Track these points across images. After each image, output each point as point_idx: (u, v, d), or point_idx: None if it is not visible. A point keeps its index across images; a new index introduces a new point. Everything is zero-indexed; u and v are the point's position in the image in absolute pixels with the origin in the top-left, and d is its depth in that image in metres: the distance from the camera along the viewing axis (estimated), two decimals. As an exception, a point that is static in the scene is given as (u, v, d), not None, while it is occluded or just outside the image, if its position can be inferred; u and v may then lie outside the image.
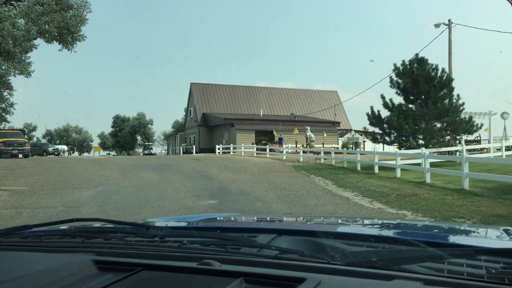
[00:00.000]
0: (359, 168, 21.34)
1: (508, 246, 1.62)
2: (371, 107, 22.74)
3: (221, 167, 25.47)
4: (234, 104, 54.49)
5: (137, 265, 1.33)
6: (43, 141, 77.32)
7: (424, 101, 21.99)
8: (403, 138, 21.89)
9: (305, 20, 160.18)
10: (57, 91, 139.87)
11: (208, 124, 51.54)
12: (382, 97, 22.68)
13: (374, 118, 22.54)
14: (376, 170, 19.37)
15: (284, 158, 32.06)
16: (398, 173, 17.13)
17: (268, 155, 34.44)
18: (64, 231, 1.70)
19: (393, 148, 49.81)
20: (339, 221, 2.80)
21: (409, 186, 14.29)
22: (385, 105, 22.71)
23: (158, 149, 73.29)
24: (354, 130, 51.81)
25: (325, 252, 1.40)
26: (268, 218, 2.89)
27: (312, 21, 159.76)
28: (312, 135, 37.53)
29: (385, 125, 22.28)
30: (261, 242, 1.48)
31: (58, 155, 42.15)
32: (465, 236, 2.05)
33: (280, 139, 40.43)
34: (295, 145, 39.04)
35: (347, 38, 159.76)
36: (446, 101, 21.79)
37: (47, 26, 18.03)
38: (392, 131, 22.25)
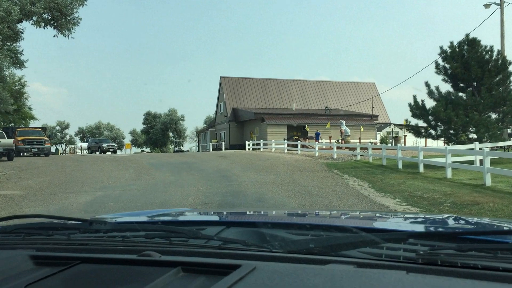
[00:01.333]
0: (400, 166, 18.69)
1: (438, 230, 1.71)
2: (414, 97, 19.93)
3: (246, 165, 23.30)
4: (265, 98, 52.21)
5: (76, 259, 1.34)
6: (77, 138, 77.64)
7: (476, 88, 19.03)
8: (452, 131, 19.02)
9: (340, 9, 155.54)
10: (87, 88, 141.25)
11: (238, 120, 49.50)
12: (427, 84, 19.84)
13: (417, 109, 19.75)
14: (421, 169, 16.68)
15: (317, 154, 29.57)
16: (449, 173, 14.39)
17: (299, 152, 32.01)
18: (4, 229, 1.68)
19: (436, 143, 46.23)
20: (287, 212, 2.95)
21: (465, 190, 11.59)
22: (430, 93, 19.86)
23: (190, 145, 71.98)
24: (393, 124, 48.54)
25: (268, 241, 1.42)
26: (219, 212, 2.98)
27: (347, 10, 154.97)
28: (348, 130, 34.79)
29: (430, 117, 19.46)
30: (208, 234, 1.53)
31: (114, 152, 44.11)
32: (403, 222, 2.28)
33: (317, 134, 37.85)
34: (329, 141, 36.43)
35: (385, 28, 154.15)
36: (501, 88, 18.76)
37: (32, 7, 16.10)
38: (439, 124, 19.41)
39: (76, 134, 79.12)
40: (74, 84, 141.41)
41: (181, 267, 1.23)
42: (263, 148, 38.00)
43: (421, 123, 20.43)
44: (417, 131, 20.31)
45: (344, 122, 35.61)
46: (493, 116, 18.61)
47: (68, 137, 79.23)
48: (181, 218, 2.36)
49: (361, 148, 26.10)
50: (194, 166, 23.31)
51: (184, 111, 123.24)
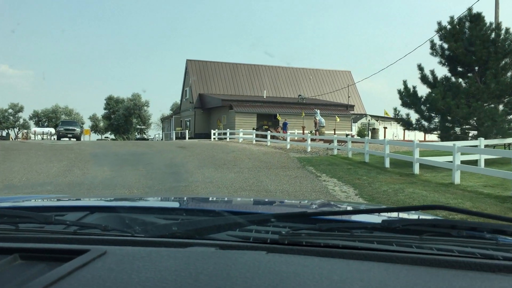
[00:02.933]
0: (387, 164, 15.58)
1: (301, 211, 1.64)
2: (404, 82, 16.78)
3: (205, 159, 19.84)
4: (234, 84, 48.56)
5: None
6: (31, 123, 71.96)
7: (478, 73, 16.01)
8: (448, 124, 15.99)
9: None
10: (44, 69, 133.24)
11: (205, 106, 45.75)
12: (420, 68, 16.70)
13: (408, 97, 16.61)
14: (417, 170, 13.54)
15: (288, 147, 26.30)
16: (457, 177, 11.22)
17: (269, 143, 28.67)
18: None
19: (424, 137, 43.80)
20: (162, 197, 3.01)
21: (495, 206, 8.41)
22: (424, 79, 16.75)
23: (156, 132, 67.61)
24: (369, 115, 45.76)
25: (131, 226, 1.38)
26: (88, 197, 2.86)
27: None
28: (322, 120, 31.62)
29: (423, 106, 16.37)
30: (66, 219, 1.46)
31: (75, 138, 37.23)
32: (273, 206, 2.30)
33: (285, 124, 34.57)
34: (301, 132, 33.22)
35: (362, 17, 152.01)
36: (510, 74, 15.81)
37: None
38: (433, 114, 16.33)
39: (31, 118, 73.47)
40: (29, 63, 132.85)
41: (19, 254, 1.14)
42: (230, 138, 34.53)
43: (412, 114, 17.30)
44: (406, 123, 17.20)
45: (318, 111, 32.42)
46: (500, 107, 15.62)
47: (21, 121, 73.50)
48: (41, 203, 2.15)
49: (338, 141, 22.95)
50: (144, 159, 19.69)
51: (149, 96, 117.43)
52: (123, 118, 69.36)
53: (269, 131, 29.69)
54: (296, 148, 26.03)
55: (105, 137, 78.36)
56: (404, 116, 17.20)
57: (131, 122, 70.25)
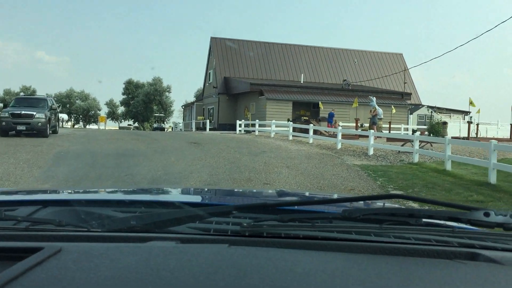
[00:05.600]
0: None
1: (263, 202, 1.69)
2: None
3: (221, 166, 13.06)
4: (266, 66, 41.27)
5: None
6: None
7: None
8: None
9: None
10: (61, 52, 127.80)
11: (230, 92, 38.73)
12: None
13: None
14: None
15: (339, 146, 19.03)
16: None
17: (311, 140, 21.43)
18: None
19: (496, 133, 35.81)
20: (122, 190, 2.58)
21: None
22: None
23: (178, 121, 61.09)
24: (428, 106, 37.76)
25: (86, 221, 1.33)
26: (41, 190, 2.71)
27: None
28: (380, 110, 24.26)
29: None
30: (16, 214, 1.39)
31: (33, 131, 29.01)
32: (233, 196, 2.31)
33: (331, 115, 27.24)
34: (354, 125, 25.78)
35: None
36: None
37: None
38: None
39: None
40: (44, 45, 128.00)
41: None
42: (259, 131, 27.44)
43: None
44: None
45: (374, 99, 24.99)
46: None
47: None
48: None
49: (420, 141, 15.55)
50: (128, 164, 13.04)
51: (172, 81, 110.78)
52: (142, 104, 62.83)
53: (311, 124, 22.37)
54: (350, 149, 18.76)
55: (128, 125, 72.56)
56: None
57: (151, 109, 63.78)
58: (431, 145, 17.05)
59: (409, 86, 40.23)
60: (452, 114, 43.59)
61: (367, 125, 29.18)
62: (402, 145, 16.66)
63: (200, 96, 48.33)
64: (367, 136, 22.01)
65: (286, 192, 2.28)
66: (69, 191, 2.46)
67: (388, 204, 2.08)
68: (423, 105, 40.19)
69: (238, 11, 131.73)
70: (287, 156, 16.06)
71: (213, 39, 42.12)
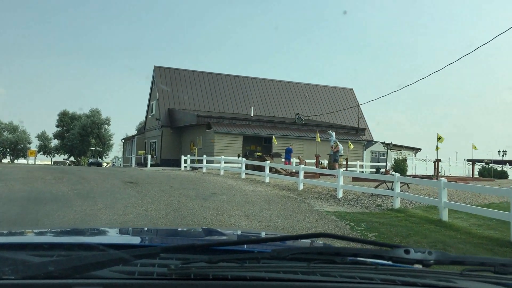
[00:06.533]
0: None
1: (191, 242, 1.66)
2: None
3: (162, 216, 10.05)
4: (213, 98, 38.74)
5: None
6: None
7: None
8: None
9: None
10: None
11: (175, 125, 35.73)
12: None
13: None
14: None
15: (301, 187, 16.53)
16: None
17: (267, 179, 18.80)
18: None
19: (465, 170, 34.74)
20: (33, 231, 2.31)
21: None
22: None
23: (118, 155, 56.63)
24: (384, 143, 36.42)
25: (2, 267, 1.21)
26: None
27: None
28: (341, 146, 22.18)
29: None
30: None
31: None
32: (159, 236, 2.21)
33: (288, 151, 24.85)
34: (315, 162, 23.46)
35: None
36: None
37: None
38: None
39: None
40: None
41: None
42: (206, 168, 24.53)
43: None
44: None
45: (334, 133, 22.94)
46: None
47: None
48: None
49: (382, 182, 13.33)
50: (33, 216, 9.99)
51: (111, 113, 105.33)
52: (78, 137, 57.94)
53: (267, 161, 19.78)
54: (314, 190, 16.30)
55: (64, 159, 66.95)
56: None
57: (89, 143, 59.03)
58: (408, 187, 14.92)
59: (362, 121, 38.97)
60: (402, 151, 42.77)
61: (324, 162, 27.09)
62: (376, 187, 14.38)
63: (142, 129, 44.82)
64: (327, 175, 19.86)
65: (215, 231, 2.18)
66: None
67: (317, 242, 2.06)
68: (375, 142, 38.94)
69: (180, 40, 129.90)
70: (244, 200, 13.33)
71: (156, 68, 39.25)
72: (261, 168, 20.77)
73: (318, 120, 37.87)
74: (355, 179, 17.99)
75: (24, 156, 57.84)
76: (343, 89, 44.92)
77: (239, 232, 2.68)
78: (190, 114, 32.84)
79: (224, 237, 2.06)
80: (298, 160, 23.50)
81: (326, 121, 37.83)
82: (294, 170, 19.73)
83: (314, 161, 26.00)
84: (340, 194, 14.50)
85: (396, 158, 23.46)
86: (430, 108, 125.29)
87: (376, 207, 12.86)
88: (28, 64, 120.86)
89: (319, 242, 2.08)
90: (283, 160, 26.10)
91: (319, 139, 23.84)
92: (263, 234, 2.34)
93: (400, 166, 21.08)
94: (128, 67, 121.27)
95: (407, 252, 1.16)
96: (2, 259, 1.28)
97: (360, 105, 37.70)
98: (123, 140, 49.86)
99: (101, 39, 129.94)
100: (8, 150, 61.71)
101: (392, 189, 13.38)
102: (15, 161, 60.62)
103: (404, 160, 22.14)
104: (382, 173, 21.43)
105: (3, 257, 1.30)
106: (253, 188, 16.76)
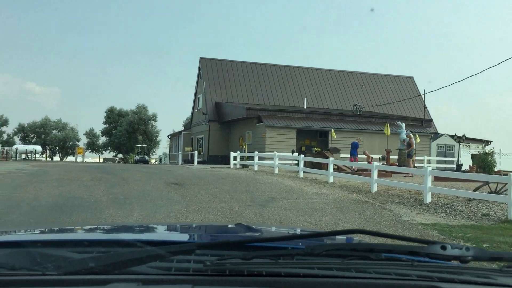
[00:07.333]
0: None
1: (225, 239, 1.66)
2: None
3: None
4: (263, 90, 36.38)
5: None
6: (16, 138, 60.65)
7: None
8: None
9: None
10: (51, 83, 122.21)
11: (223, 119, 33.64)
12: None
13: None
14: None
15: (375, 188, 13.80)
16: None
17: (331, 178, 16.18)
18: None
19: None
20: (73, 229, 2.40)
21: None
22: None
23: (167, 151, 55.41)
24: (450, 135, 32.83)
25: (45, 263, 1.23)
26: None
27: None
28: (414, 140, 19.22)
29: None
30: None
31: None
32: (194, 233, 2.19)
33: (354, 145, 22.06)
34: (386, 158, 20.55)
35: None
36: None
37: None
38: None
39: (16, 133, 62.03)
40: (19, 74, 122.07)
41: None
42: (258, 165, 22.19)
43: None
44: None
45: (404, 125, 19.99)
46: None
47: (5, 136, 61.97)
48: None
49: (485, 184, 10.45)
50: (55, 227, 7.37)
51: (158, 109, 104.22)
52: (125, 134, 57.28)
53: (331, 158, 17.10)
54: (390, 192, 13.55)
55: (113, 156, 66.80)
56: None
57: (136, 139, 58.21)
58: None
59: (426, 112, 35.43)
60: (471, 144, 38.82)
61: (391, 157, 24.10)
62: (476, 190, 11.48)
63: (188, 125, 43.11)
64: (400, 173, 17.05)
65: (249, 227, 2.16)
66: (22, 231, 2.20)
67: (351, 238, 2.10)
68: (441, 134, 35.27)
69: (228, 31, 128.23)
70: (309, 207, 10.84)
71: (202, 60, 37.29)
72: (320, 166, 18.19)
73: (376, 111, 34.70)
74: (437, 178, 15.07)
75: (73, 153, 57.80)
76: (403, 77, 41.33)
77: (273, 229, 2.74)
78: (239, 107, 30.59)
79: (258, 234, 2.02)
80: (364, 156, 20.77)
81: (386, 112, 34.60)
82: (356, 168, 17.02)
83: (378, 156, 23.11)
84: (429, 199, 11.69)
85: (477, 152, 20.17)
86: (498, 98, 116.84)
87: (482, 216, 10.02)
88: (78, 64, 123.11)
89: (354, 238, 2.05)
90: (341, 156, 23.43)
91: (389, 132, 20.88)
92: (298, 231, 2.40)
93: (486, 162, 17.87)
94: (174, 61, 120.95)
95: (444, 248, 1.15)
96: (44, 256, 1.28)
97: (423, 95, 34.18)
98: (169, 137, 48.49)
99: (147, 37, 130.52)
100: (57, 148, 62.14)
101: (498, 193, 10.52)
102: (64, 159, 60.83)
103: (490, 154, 18.84)
104: (464, 170, 18.28)
105: (45, 253, 1.31)
106: (316, 190, 14.22)
